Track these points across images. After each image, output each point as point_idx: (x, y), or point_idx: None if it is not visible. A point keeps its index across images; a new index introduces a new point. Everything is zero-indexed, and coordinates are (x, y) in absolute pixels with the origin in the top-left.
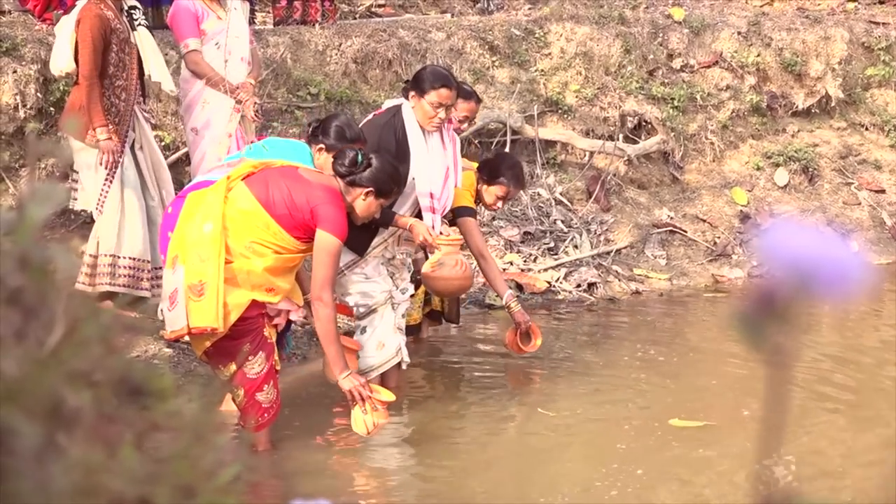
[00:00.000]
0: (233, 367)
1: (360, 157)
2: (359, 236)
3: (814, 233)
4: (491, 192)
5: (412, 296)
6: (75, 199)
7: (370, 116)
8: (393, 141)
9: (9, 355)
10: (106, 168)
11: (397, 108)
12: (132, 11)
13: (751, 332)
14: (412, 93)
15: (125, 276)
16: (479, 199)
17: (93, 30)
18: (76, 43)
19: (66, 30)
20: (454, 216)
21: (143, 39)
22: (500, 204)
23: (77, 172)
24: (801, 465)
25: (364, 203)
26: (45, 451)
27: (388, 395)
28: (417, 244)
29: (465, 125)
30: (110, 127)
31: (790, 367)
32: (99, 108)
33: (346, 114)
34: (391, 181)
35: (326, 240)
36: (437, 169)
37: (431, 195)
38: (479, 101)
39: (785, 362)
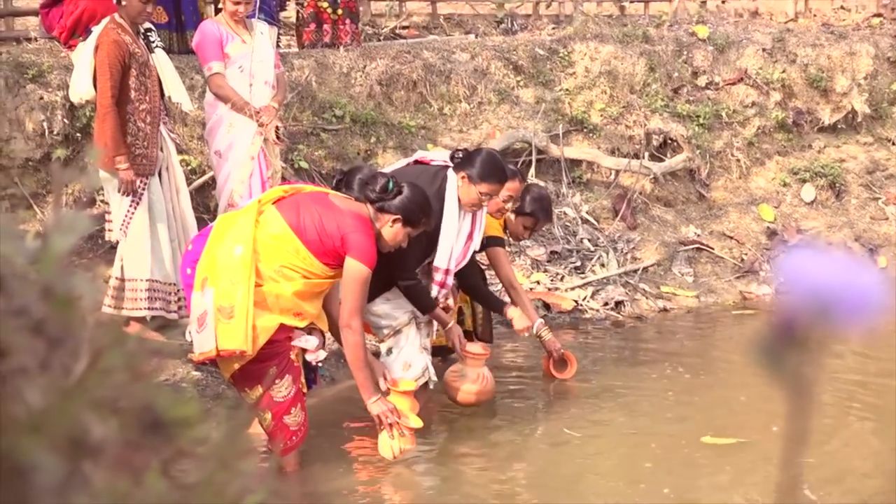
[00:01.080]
0: (259, 389)
1: (390, 183)
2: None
3: (835, 258)
4: (518, 223)
5: None
6: (110, 231)
7: (409, 163)
8: (437, 210)
9: (33, 386)
10: (126, 195)
11: (444, 176)
12: (148, 34)
13: (771, 360)
14: (463, 173)
15: (160, 299)
16: (506, 227)
17: (110, 56)
18: (95, 70)
19: (84, 56)
20: (484, 245)
21: (161, 61)
22: (526, 234)
23: (108, 204)
24: (824, 483)
25: (392, 230)
26: (68, 483)
27: (416, 422)
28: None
29: (510, 205)
30: (138, 153)
31: (810, 395)
32: (118, 137)
33: (369, 166)
34: (420, 211)
35: (356, 268)
36: (459, 247)
37: (446, 272)
38: (523, 179)
39: (805, 391)
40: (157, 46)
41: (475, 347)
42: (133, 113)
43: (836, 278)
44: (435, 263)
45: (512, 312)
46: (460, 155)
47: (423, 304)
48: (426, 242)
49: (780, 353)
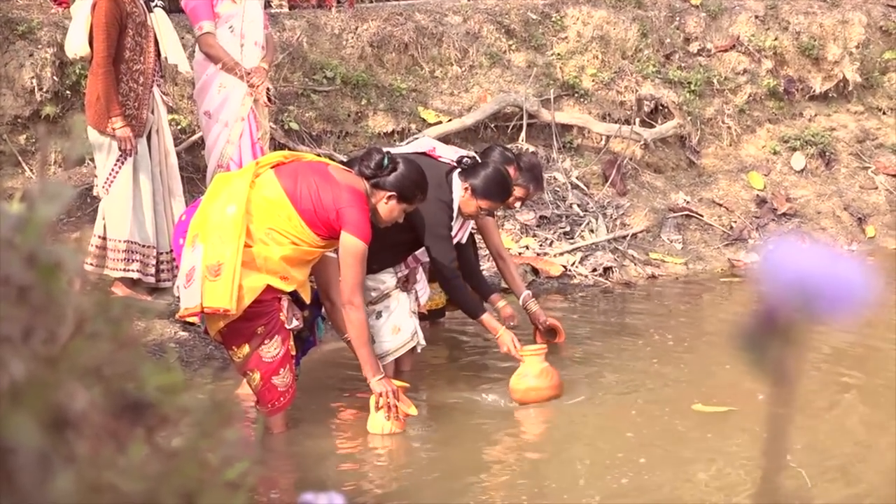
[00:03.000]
0: (246, 348)
1: (385, 159)
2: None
3: (818, 251)
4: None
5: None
6: (97, 187)
7: (416, 152)
8: (447, 217)
9: (16, 355)
10: (129, 155)
11: (449, 179)
12: None
13: (754, 351)
14: (467, 185)
15: (138, 261)
16: None
17: (107, 15)
18: (91, 27)
19: (81, 12)
20: None
21: (160, 21)
22: (518, 204)
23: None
24: (810, 464)
25: (387, 207)
26: (50, 454)
27: (412, 410)
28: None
29: (518, 205)
30: (127, 114)
31: (793, 384)
32: (114, 98)
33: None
34: (415, 187)
35: (352, 243)
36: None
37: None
38: (525, 187)
39: (788, 380)
40: (156, 6)
41: (531, 347)
42: (126, 73)
43: (818, 269)
44: (415, 254)
45: (502, 333)
46: (469, 162)
47: (472, 308)
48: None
49: (763, 343)
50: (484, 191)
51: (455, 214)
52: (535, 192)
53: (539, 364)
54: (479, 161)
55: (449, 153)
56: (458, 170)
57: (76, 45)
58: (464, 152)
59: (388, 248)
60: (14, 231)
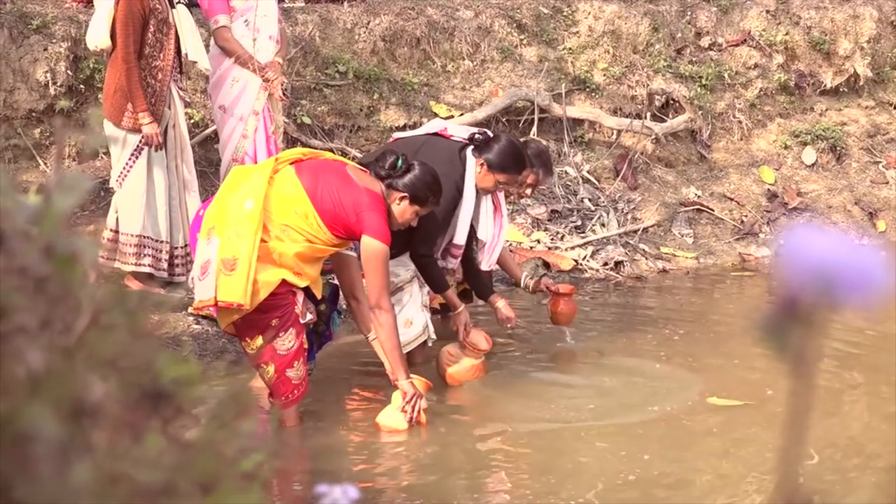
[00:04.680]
0: (259, 340)
1: (399, 161)
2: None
3: (837, 238)
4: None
5: None
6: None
7: (428, 133)
8: (449, 200)
9: (34, 346)
10: (156, 150)
11: (463, 157)
12: None
13: (775, 337)
14: (482, 160)
15: (150, 255)
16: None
17: (131, 10)
18: (114, 20)
19: (105, 5)
20: None
21: (182, 18)
22: (528, 191)
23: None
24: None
25: (399, 208)
26: (68, 445)
27: (423, 419)
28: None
29: (529, 191)
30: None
31: (813, 372)
32: (140, 93)
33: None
34: (427, 190)
35: (375, 246)
36: (489, 222)
37: (460, 248)
38: (534, 167)
39: (808, 368)
40: (178, 2)
41: (479, 340)
42: (144, 68)
43: (837, 256)
44: (455, 241)
45: (461, 311)
46: (481, 137)
47: (438, 282)
48: (448, 222)
49: (784, 331)
50: (499, 164)
51: (470, 193)
52: (544, 177)
53: (474, 361)
54: (492, 136)
55: (461, 132)
56: (471, 146)
57: (98, 38)
58: (475, 130)
59: (401, 240)
60: (31, 223)
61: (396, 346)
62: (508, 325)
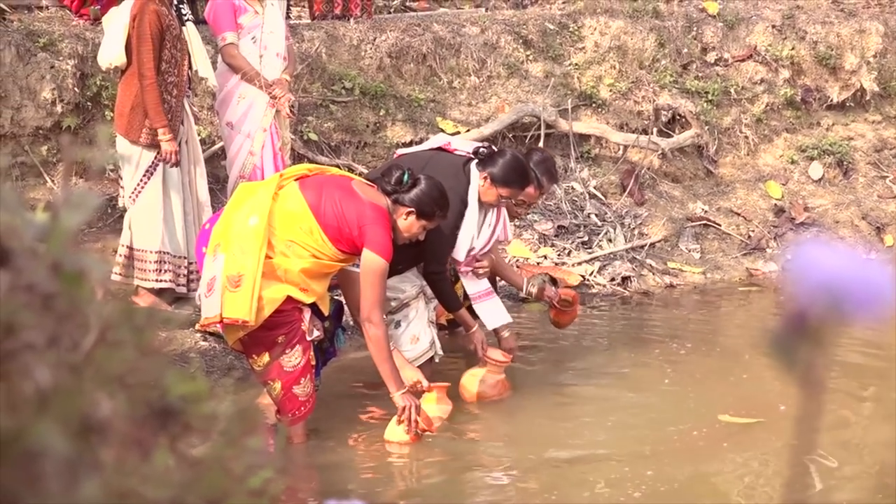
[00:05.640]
0: (266, 357)
1: (406, 175)
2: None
3: (845, 253)
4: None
5: None
6: (122, 197)
7: (432, 148)
8: (455, 213)
9: (42, 363)
10: (173, 166)
11: (468, 170)
12: (180, 6)
13: (783, 352)
14: (485, 174)
15: (170, 271)
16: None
17: (151, 26)
18: (129, 37)
19: (118, 22)
20: None
21: (191, 35)
22: (536, 201)
23: (121, 169)
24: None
25: (406, 223)
26: (76, 462)
27: (431, 428)
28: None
29: (521, 209)
30: (171, 126)
31: (822, 387)
32: (160, 109)
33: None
34: (434, 204)
35: (374, 261)
36: (483, 239)
37: (462, 262)
38: (539, 183)
39: (817, 383)
40: (188, 19)
41: (496, 354)
42: (160, 85)
43: (847, 271)
44: (455, 256)
45: (475, 330)
46: (485, 151)
47: (450, 301)
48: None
49: (793, 346)
50: (503, 178)
51: (474, 207)
52: (549, 185)
53: (497, 375)
54: (496, 150)
55: (465, 146)
56: (476, 160)
57: (112, 55)
58: (479, 144)
59: (407, 256)
60: (38, 240)
61: (387, 359)
62: (507, 358)
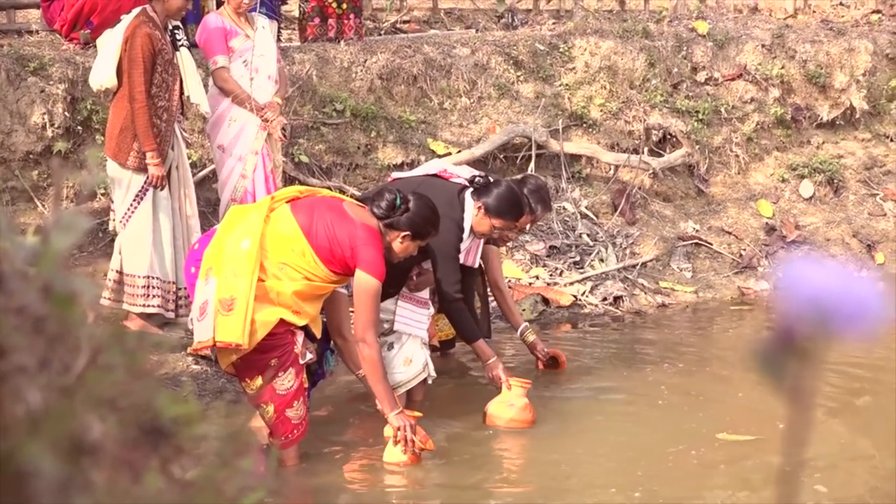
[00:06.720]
0: (259, 381)
1: (398, 200)
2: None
3: (834, 270)
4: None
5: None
6: (113, 221)
7: (428, 174)
8: (454, 238)
9: (33, 385)
10: (161, 189)
11: (461, 198)
12: (175, 31)
13: (771, 369)
14: (480, 204)
15: (158, 296)
16: None
17: (143, 49)
18: (120, 60)
19: (111, 45)
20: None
21: (185, 60)
22: (528, 227)
23: (111, 193)
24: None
25: (401, 245)
26: (67, 484)
27: (430, 444)
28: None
29: (528, 227)
30: (160, 150)
31: (810, 403)
32: (150, 133)
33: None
34: (428, 224)
35: (367, 281)
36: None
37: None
38: (532, 211)
39: (805, 399)
40: (182, 45)
41: (519, 381)
42: (150, 108)
43: (834, 287)
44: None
45: (493, 361)
46: (481, 181)
47: (469, 331)
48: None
49: (780, 362)
50: (497, 209)
51: (466, 235)
52: (542, 213)
53: (523, 398)
54: (492, 180)
55: (462, 173)
56: (471, 189)
57: (104, 77)
58: (476, 172)
59: (400, 275)
60: (29, 263)
61: (381, 380)
62: (541, 354)
